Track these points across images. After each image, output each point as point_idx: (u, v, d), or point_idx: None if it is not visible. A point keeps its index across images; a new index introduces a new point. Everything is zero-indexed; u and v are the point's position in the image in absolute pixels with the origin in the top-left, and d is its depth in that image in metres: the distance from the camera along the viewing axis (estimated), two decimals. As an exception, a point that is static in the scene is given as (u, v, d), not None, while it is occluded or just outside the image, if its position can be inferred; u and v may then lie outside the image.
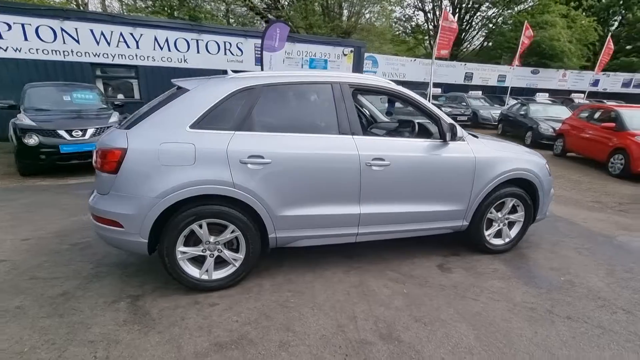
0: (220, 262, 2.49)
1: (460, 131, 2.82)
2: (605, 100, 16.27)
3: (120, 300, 2.37)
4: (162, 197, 2.19)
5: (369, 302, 2.45)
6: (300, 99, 2.62)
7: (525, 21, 16.30)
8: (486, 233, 3.14)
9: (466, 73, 19.19)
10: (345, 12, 18.91)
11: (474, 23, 24.71)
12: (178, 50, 9.90)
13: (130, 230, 2.24)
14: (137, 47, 9.42)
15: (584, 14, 21.88)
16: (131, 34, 9.27)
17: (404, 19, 24.99)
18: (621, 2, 22.73)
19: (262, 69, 7.60)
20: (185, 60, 10.05)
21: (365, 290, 2.58)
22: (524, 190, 3.11)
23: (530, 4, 21.61)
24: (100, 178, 2.29)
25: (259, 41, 10.82)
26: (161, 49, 9.70)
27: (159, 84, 9.74)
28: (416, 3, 24.40)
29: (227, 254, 2.46)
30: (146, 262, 2.85)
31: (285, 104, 2.55)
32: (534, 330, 2.20)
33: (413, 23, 25.35)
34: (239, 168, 2.29)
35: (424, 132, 3.06)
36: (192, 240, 2.39)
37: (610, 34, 18.69)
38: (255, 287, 2.58)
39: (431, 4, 24.48)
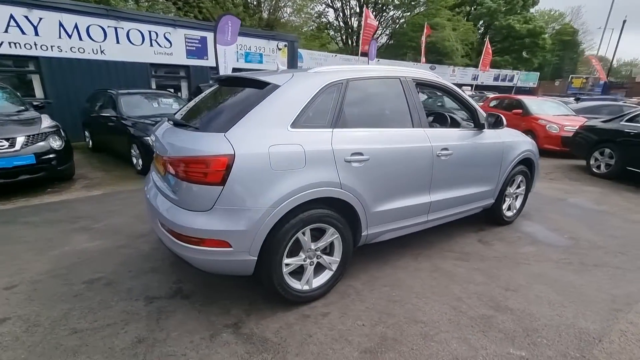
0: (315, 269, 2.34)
1: (489, 121, 3.19)
2: (485, 92, 19.77)
3: (220, 332, 2.04)
4: (277, 206, 1.95)
5: (456, 282, 2.63)
6: (378, 93, 2.60)
7: (426, 23, 18.55)
8: (503, 207, 3.65)
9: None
10: (265, 5, 18.49)
11: (380, 22, 26.93)
12: (92, 40, 8.30)
13: (239, 249, 1.94)
14: (36, 34, 7.57)
15: (464, 19, 25.97)
16: (26, 17, 7.39)
17: (315, 16, 25.69)
18: (488, 12, 27.71)
19: (216, 64, 6.98)
20: (102, 52, 8.49)
21: (445, 273, 2.76)
22: (527, 167, 3.70)
23: (424, 8, 24.56)
24: (194, 192, 1.90)
25: (190, 32, 9.90)
26: (69, 36, 7.99)
27: (71, 79, 8.10)
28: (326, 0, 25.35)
29: (326, 259, 2.34)
30: (206, 286, 2.48)
31: (367, 98, 2.51)
32: (584, 279, 2.71)
33: (324, 19, 26.27)
34: (343, 167, 2.19)
35: (454, 123, 3.36)
36: (290, 250, 2.19)
37: (487, 37, 22.63)
38: (348, 289, 2.50)
39: (339, 2, 25.74)
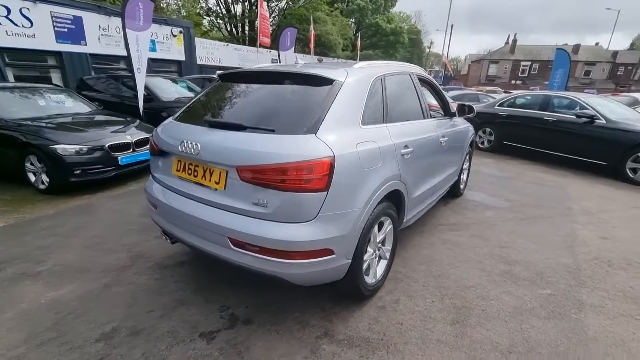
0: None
1: (464, 110, 3.74)
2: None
3: (319, 345, 1.91)
4: (367, 205, 1.94)
5: (467, 249, 3.10)
6: (402, 88, 2.74)
7: (312, 16, 19.32)
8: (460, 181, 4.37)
9: (272, 59, 20.78)
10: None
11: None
12: None
13: (340, 255, 1.85)
14: None
15: (341, 14, 28.06)
16: None
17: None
18: (359, 9, 30.66)
19: (128, 54, 5.75)
20: None
21: (454, 243, 3.19)
22: (471, 147, 4.51)
23: (304, 1, 25.37)
24: (296, 202, 1.70)
25: (57, 9, 7.87)
26: None
27: None
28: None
29: (384, 249, 2.42)
30: (258, 305, 2.26)
31: (396, 93, 2.62)
32: (538, 228, 3.58)
33: (202, 3, 24.24)
34: (400, 160, 2.30)
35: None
36: (364, 247, 2.20)
37: (359, 33, 25.03)
38: (396, 274, 2.65)
39: (219, -13, 24.15)
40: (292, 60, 16.97)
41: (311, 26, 18.39)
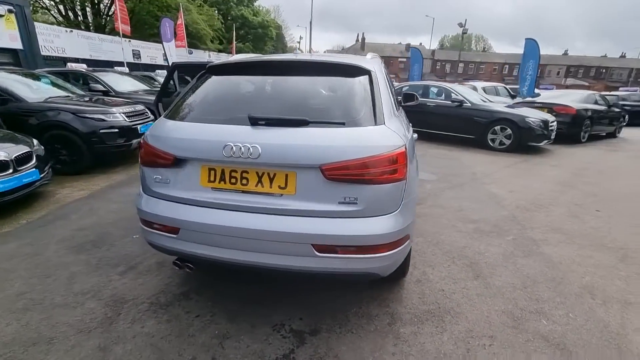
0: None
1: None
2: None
3: (399, 332, 1.96)
4: (416, 187, 2.06)
5: (438, 217, 3.58)
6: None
7: (180, 4, 17.51)
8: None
9: (133, 50, 17.92)
10: None
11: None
12: None
13: (412, 238, 1.92)
14: None
15: (205, 3, 26.18)
16: None
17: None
18: (223, 2, 29.26)
19: None
20: None
21: (426, 214, 3.63)
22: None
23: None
24: (385, 193, 1.66)
25: None
26: None
27: None
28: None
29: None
30: (311, 313, 2.15)
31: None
32: (480, 190, 4.41)
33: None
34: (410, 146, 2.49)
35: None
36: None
37: (234, 25, 24.09)
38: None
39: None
40: (177, 52, 14.94)
41: (180, 14, 16.65)
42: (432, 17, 40.40)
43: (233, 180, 1.75)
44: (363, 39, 58.19)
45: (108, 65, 13.89)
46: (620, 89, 22.91)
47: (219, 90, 2.09)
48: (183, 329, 1.97)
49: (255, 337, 1.91)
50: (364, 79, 1.98)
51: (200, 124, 1.85)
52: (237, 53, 28.76)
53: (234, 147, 1.66)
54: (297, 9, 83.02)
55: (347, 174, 1.63)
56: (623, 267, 2.69)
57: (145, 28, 22.10)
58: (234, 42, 22.03)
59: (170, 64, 4.00)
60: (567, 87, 36.74)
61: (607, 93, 13.55)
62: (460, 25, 27.89)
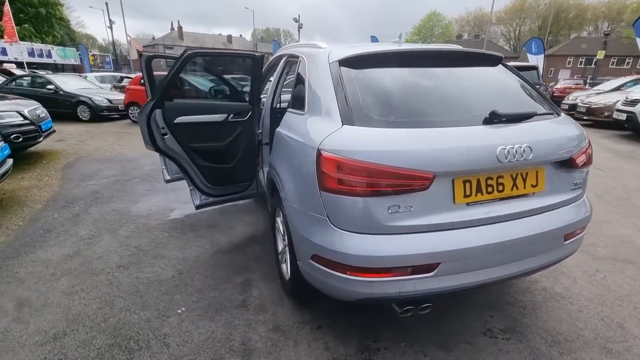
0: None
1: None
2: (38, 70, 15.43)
3: (494, 334, 2.05)
4: None
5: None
6: None
7: None
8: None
9: None
10: None
11: None
12: None
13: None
14: None
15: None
16: None
17: None
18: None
19: None
20: None
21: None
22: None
23: None
24: (588, 175, 1.79)
25: None
26: None
27: None
28: None
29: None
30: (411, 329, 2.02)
31: None
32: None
33: None
34: None
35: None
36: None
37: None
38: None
39: None
40: None
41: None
42: (252, 10, 40.84)
43: (489, 189, 1.49)
44: (180, 27, 53.13)
45: None
46: None
47: (391, 87, 1.65)
48: None
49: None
50: (500, 67, 1.97)
51: (427, 129, 1.45)
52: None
53: (508, 150, 1.40)
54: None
55: (584, 161, 1.66)
56: None
57: None
58: (4, 22, 15.04)
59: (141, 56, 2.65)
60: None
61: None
62: (295, 20, 29.59)
